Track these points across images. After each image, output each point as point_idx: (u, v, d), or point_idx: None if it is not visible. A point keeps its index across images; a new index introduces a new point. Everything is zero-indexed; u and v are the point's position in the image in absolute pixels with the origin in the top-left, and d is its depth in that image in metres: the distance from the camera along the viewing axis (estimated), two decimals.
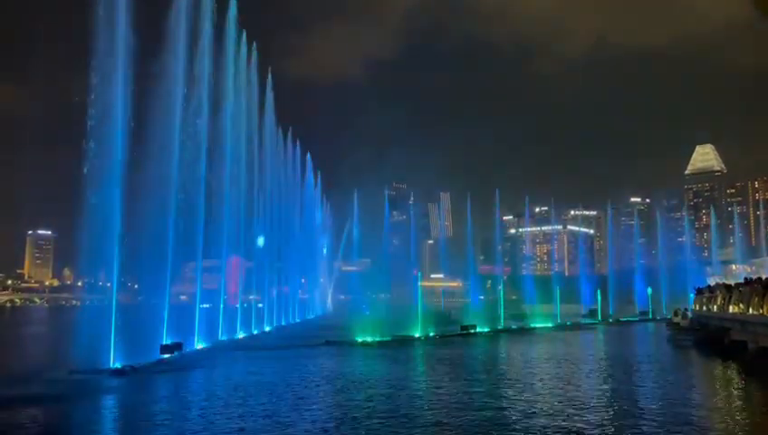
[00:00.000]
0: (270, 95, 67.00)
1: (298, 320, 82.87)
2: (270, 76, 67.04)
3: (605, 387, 26.64)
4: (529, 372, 31.18)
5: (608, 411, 20.40)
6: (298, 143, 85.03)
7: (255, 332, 57.11)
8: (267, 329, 61.68)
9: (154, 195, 35.12)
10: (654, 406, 21.53)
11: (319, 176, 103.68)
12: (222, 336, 47.11)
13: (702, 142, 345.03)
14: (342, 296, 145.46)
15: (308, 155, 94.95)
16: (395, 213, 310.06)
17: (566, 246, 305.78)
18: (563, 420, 18.38)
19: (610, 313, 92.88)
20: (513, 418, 18.97)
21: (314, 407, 21.69)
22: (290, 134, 79.90)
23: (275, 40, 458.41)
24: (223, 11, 47.23)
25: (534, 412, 19.68)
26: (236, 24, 50.18)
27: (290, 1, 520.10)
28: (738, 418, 19.76)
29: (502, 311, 72.66)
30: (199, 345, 40.45)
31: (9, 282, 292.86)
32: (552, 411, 19.95)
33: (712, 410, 21.20)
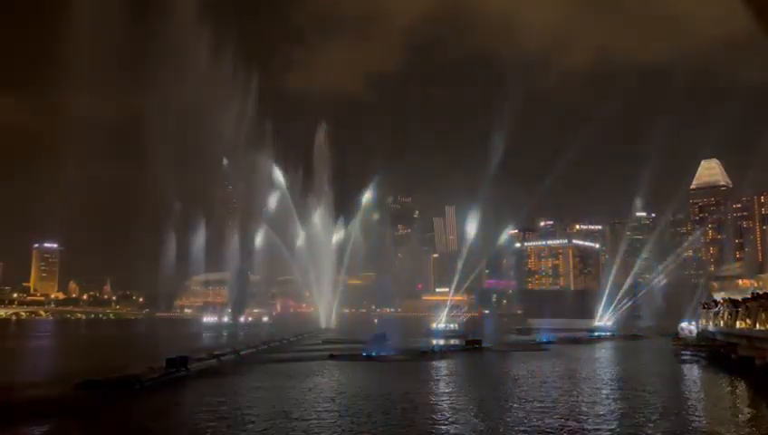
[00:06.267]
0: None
1: (302, 334, 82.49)
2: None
3: (613, 409, 26.19)
4: (543, 395, 30.53)
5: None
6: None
7: (261, 347, 56.85)
8: (272, 344, 61.41)
9: (159, 210, 35.44)
10: (662, 422, 21.38)
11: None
12: (227, 350, 47.03)
13: (707, 157, 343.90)
14: (347, 310, 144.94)
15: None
16: (400, 227, 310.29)
17: (571, 260, 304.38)
18: None
19: (616, 327, 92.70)
20: None
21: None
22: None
23: (276, 54, 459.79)
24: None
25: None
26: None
27: (290, 15, 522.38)
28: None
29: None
30: (204, 359, 40.33)
31: (15, 295, 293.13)
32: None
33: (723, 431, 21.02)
